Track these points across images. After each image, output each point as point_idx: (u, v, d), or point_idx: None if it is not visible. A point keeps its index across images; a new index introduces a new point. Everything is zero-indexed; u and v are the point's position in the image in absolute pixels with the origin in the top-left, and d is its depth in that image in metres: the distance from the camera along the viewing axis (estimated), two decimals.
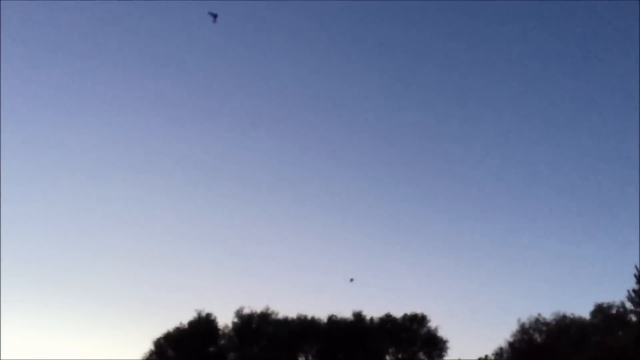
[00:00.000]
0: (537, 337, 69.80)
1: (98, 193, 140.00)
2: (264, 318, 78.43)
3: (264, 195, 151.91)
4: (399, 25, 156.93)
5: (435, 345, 77.23)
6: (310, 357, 78.46)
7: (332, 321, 79.12)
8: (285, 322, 78.68)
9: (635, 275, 54.92)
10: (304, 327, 78.11)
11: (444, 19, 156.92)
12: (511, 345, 70.57)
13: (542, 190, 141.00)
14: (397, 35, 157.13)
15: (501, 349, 71.68)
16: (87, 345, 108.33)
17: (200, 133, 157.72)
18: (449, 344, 77.90)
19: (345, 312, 79.76)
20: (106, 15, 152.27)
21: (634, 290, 55.73)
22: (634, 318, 58.22)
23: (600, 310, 66.74)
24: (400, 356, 77.20)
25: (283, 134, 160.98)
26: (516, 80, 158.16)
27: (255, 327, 77.50)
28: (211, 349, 77.07)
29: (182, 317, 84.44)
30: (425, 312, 79.70)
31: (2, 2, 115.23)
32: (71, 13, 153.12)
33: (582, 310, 70.06)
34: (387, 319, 79.46)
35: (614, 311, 65.78)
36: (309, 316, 79.42)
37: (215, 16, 47.69)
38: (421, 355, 77.29)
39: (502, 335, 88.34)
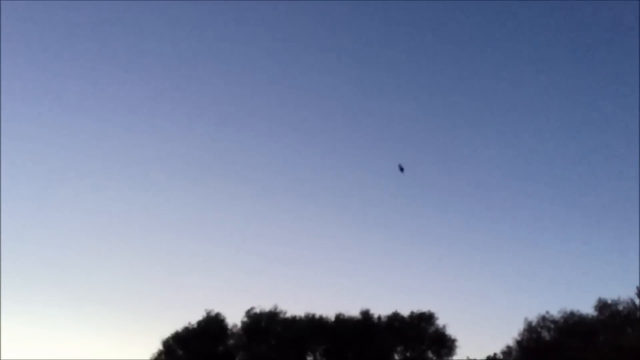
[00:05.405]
0: (546, 335, 69.67)
1: (107, 193, 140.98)
2: (273, 317, 78.63)
3: (272, 195, 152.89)
4: (399, 25, 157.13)
5: (443, 344, 76.64)
6: (318, 356, 78.25)
7: (340, 320, 78.93)
8: (294, 321, 78.79)
9: None
10: (312, 326, 78.10)
11: (444, 18, 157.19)
12: (519, 343, 70.46)
13: (547, 189, 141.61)
14: (397, 34, 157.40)
15: (509, 347, 71.55)
16: (95, 346, 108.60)
17: (208, 132, 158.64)
18: (457, 343, 77.29)
19: (352, 311, 79.70)
20: (106, 15, 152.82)
21: None
22: None
23: (606, 307, 66.53)
24: (408, 355, 76.74)
25: (287, 133, 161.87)
26: (516, 80, 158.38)
27: (264, 326, 77.69)
28: (220, 349, 77.17)
29: (191, 317, 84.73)
30: (433, 311, 79.13)
31: (2, 2, 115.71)
32: (71, 13, 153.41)
33: (589, 307, 69.75)
34: (395, 318, 78.97)
35: (620, 307, 65.68)
36: (317, 315, 79.53)
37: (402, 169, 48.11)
38: (430, 354, 76.58)
39: (510, 333, 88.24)
